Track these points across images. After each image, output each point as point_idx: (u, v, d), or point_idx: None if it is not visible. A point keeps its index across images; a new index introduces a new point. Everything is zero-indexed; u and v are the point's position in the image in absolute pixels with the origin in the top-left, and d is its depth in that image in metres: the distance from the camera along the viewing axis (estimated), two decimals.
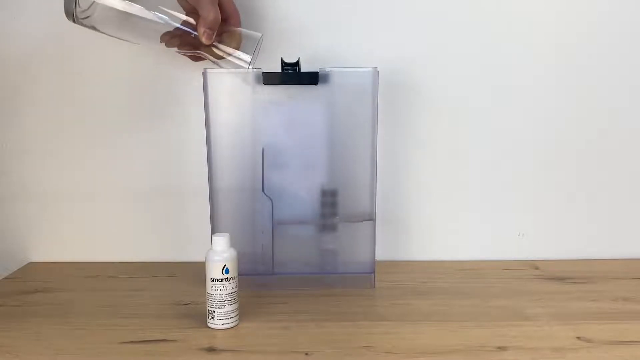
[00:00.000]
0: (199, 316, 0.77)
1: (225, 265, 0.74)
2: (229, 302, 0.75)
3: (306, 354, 0.69)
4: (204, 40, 0.81)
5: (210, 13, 0.80)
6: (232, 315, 0.75)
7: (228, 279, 0.74)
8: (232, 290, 0.75)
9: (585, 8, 0.97)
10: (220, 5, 0.83)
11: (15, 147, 1.00)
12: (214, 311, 0.75)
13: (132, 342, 0.72)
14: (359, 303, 0.83)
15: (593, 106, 0.99)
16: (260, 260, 0.88)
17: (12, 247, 1.02)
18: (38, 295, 0.87)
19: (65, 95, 0.99)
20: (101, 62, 0.98)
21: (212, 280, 0.74)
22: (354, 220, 0.88)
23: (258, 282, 0.88)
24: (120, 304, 0.83)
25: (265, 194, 0.87)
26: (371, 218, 0.88)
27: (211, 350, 0.70)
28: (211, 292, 0.74)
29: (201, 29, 0.80)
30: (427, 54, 0.97)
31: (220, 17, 0.81)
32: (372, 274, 0.89)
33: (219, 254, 0.75)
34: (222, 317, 0.74)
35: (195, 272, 0.84)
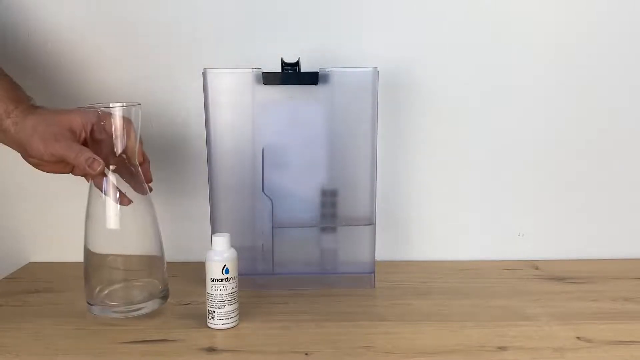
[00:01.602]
0: (199, 316, 0.77)
1: (225, 265, 0.74)
2: (229, 302, 0.74)
3: (306, 354, 0.69)
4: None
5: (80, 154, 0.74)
6: (232, 315, 0.75)
7: (228, 279, 0.74)
8: (232, 290, 0.75)
9: (584, 8, 0.97)
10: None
11: None
12: (214, 311, 0.74)
13: (132, 342, 0.72)
14: (359, 303, 0.83)
15: (593, 106, 0.99)
16: (260, 260, 0.88)
17: (12, 247, 1.02)
18: (38, 295, 0.87)
19: (65, 95, 0.99)
20: (101, 62, 0.98)
21: (212, 280, 0.74)
22: (354, 224, 0.88)
23: (258, 282, 0.88)
24: None
25: (265, 194, 0.87)
26: (371, 222, 0.88)
27: (211, 350, 0.70)
28: (211, 292, 0.74)
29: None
30: (427, 54, 0.97)
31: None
32: (372, 274, 0.89)
33: (219, 254, 0.75)
34: (222, 317, 0.74)
35: (195, 272, 0.84)
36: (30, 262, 1.02)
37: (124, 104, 0.78)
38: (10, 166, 1.00)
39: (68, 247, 1.01)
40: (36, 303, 0.84)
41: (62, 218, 1.01)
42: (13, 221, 1.02)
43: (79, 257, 1.00)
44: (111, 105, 0.78)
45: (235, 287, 0.75)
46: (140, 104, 0.79)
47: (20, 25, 0.96)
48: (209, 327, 0.75)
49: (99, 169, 0.74)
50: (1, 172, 1.00)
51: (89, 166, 0.74)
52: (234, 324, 0.75)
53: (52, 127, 0.75)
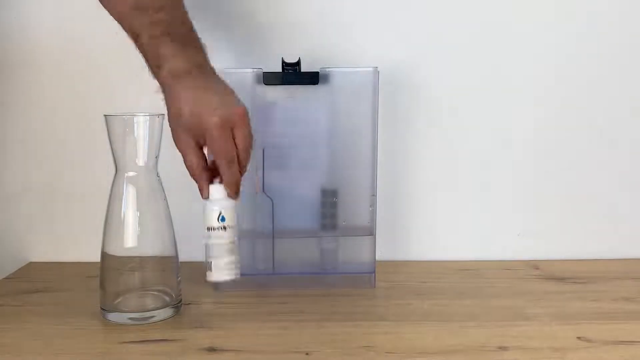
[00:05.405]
0: (200, 316, 0.77)
1: (220, 212, 0.72)
2: (226, 253, 0.72)
3: (306, 354, 0.68)
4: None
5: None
6: (230, 267, 0.73)
7: (224, 228, 0.72)
8: (229, 240, 0.72)
9: (585, 8, 0.97)
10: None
11: (15, 147, 1.00)
12: (211, 262, 0.72)
13: (132, 342, 0.72)
14: (359, 303, 0.83)
15: (593, 106, 0.99)
16: (260, 259, 0.88)
17: (12, 247, 1.02)
18: (38, 295, 0.87)
19: (66, 95, 0.99)
20: (101, 62, 0.98)
21: (208, 229, 0.72)
22: (354, 234, 0.88)
23: (258, 281, 0.88)
24: None
25: (265, 194, 0.87)
26: (371, 233, 0.88)
27: (211, 350, 0.70)
28: (208, 241, 0.72)
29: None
30: (427, 54, 0.97)
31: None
32: (372, 274, 0.89)
33: (215, 202, 0.72)
34: (218, 269, 0.72)
35: (196, 271, 0.84)
36: (30, 262, 1.02)
37: (148, 114, 0.77)
38: (11, 166, 1.01)
39: (68, 247, 1.02)
40: (36, 303, 0.84)
41: (62, 218, 1.01)
42: (13, 221, 1.02)
43: (79, 257, 1.01)
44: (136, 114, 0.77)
45: (233, 237, 0.72)
46: (163, 115, 0.78)
47: (19, 26, 0.97)
48: (207, 280, 0.73)
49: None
50: (1, 172, 1.00)
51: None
52: (231, 277, 0.73)
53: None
